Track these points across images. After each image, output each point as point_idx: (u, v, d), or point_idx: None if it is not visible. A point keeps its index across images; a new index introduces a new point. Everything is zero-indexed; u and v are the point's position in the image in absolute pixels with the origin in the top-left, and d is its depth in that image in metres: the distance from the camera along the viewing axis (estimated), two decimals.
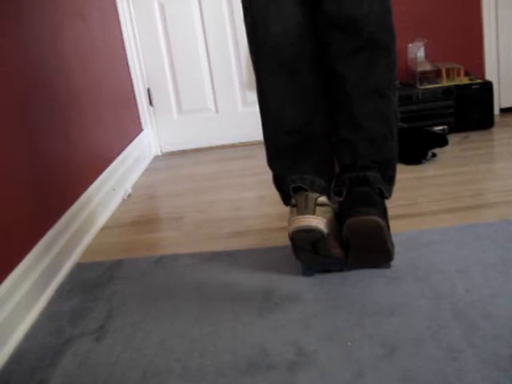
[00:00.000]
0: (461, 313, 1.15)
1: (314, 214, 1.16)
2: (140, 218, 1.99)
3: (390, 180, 1.29)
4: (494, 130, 2.46)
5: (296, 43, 1.26)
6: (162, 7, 2.66)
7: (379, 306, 1.22)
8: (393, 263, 1.37)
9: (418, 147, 2.18)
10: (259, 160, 2.52)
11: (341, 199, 1.24)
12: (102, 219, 1.96)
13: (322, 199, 1.22)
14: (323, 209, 1.19)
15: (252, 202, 1.98)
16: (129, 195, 2.23)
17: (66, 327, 1.31)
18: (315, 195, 1.21)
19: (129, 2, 2.64)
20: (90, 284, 1.50)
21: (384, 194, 1.25)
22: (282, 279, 1.39)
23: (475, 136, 2.41)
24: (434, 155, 2.17)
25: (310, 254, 1.24)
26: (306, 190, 1.24)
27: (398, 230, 1.55)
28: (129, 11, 2.65)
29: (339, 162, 1.29)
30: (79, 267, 1.63)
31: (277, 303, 1.29)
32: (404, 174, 2.04)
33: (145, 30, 2.68)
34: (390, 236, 1.22)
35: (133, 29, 2.66)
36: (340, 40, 1.23)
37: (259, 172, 2.31)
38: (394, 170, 1.30)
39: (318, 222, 1.16)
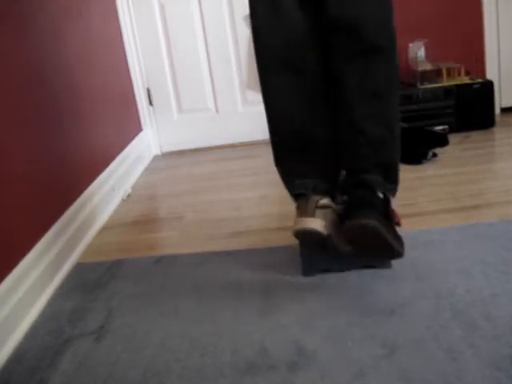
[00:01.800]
0: (461, 313, 1.15)
1: (313, 216, 1.21)
2: (140, 217, 1.99)
3: (393, 180, 1.30)
4: (495, 129, 2.45)
5: (299, 48, 1.28)
6: (162, 7, 2.66)
7: (379, 306, 1.22)
8: (393, 263, 1.37)
9: (419, 147, 2.18)
10: (259, 160, 2.53)
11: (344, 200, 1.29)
12: (102, 219, 1.96)
13: (324, 201, 1.25)
14: (324, 211, 1.23)
15: (252, 202, 1.98)
16: (128, 195, 2.23)
17: (65, 327, 1.30)
18: (316, 198, 1.25)
19: (129, 2, 2.64)
20: (90, 284, 1.50)
21: (386, 195, 1.26)
22: (282, 279, 1.39)
23: (476, 136, 2.41)
24: (434, 155, 2.17)
25: (315, 250, 1.29)
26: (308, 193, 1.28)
27: (398, 229, 1.55)
28: (129, 11, 2.64)
29: (342, 164, 1.31)
30: (79, 267, 1.62)
31: (277, 303, 1.29)
32: (404, 173, 2.02)
33: (145, 30, 2.68)
34: (392, 233, 1.22)
35: (133, 29, 2.66)
36: (340, 43, 1.25)
37: (259, 172, 2.31)
38: (396, 171, 1.31)
39: (316, 224, 1.20)
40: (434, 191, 1.85)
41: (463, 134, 2.43)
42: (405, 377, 0.99)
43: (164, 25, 2.68)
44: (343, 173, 1.33)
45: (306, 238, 1.24)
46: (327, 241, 1.24)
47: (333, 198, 1.29)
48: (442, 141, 2.22)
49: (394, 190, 1.29)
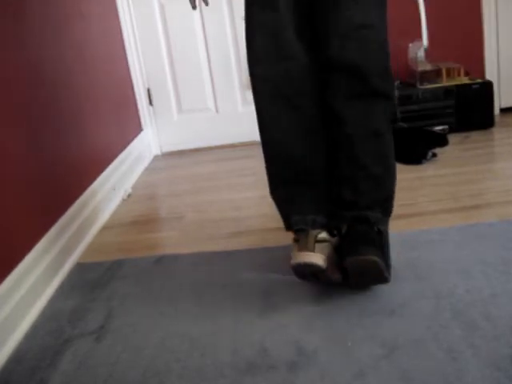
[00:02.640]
0: (461, 313, 1.15)
1: (313, 251, 1.25)
2: (140, 217, 1.99)
3: (389, 212, 1.33)
4: (495, 129, 2.46)
5: (299, 81, 1.28)
6: (162, 7, 2.66)
7: (379, 306, 1.22)
8: (393, 263, 1.37)
9: (419, 147, 2.18)
10: (259, 160, 2.52)
11: (341, 233, 1.30)
12: (102, 219, 1.96)
13: (322, 236, 1.28)
14: (322, 245, 1.27)
15: (252, 202, 1.98)
16: (129, 195, 2.23)
17: (65, 327, 1.31)
18: (315, 232, 1.28)
19: (129, 1, 2.64)
20: (90, 284, 1.50)
21: (381, 230, 1.29)
22: (282, 279, 1.39)
23: (475, 136, 2.41)
24: (434, 155, 2.17)
25: (311, 278, 1.32)
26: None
27: (398, 230, 1.55)
28: (129, 11, 2.64)
29: (339, 197, 1.31)
30: (79, 267, 1.62)
31: (277, 303, 1.29)
32: (404, 174, 2.04)
33: (145, 30, 2.68)
34: (385, 264, 1.24)
35: (133, 29, 2.66)
36: (340, 84, 1.26)
37: (259, 172, 2.30)
38: (392, 204, 1.35)
39: (317, 258, 1.24)
40: (434, 191, 1.85)
41: (463, 134, 2.43)
42: (405, 377, 0.99)
43: (164, 25, 2.68)
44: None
45: (305, 270, 1.27)
46: (321, 273, 1.27)
47: (329, 231, 1.31)
48: (442, 141, 2.22)
49: (387, 224, 1.33)
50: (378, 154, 1.28)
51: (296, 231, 1.32)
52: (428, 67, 2.50)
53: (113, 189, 2.11)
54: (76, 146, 1.87)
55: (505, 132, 2.41)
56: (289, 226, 1.35)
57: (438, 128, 2.45)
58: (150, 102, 2.78)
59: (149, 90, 2.76)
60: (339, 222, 1.30)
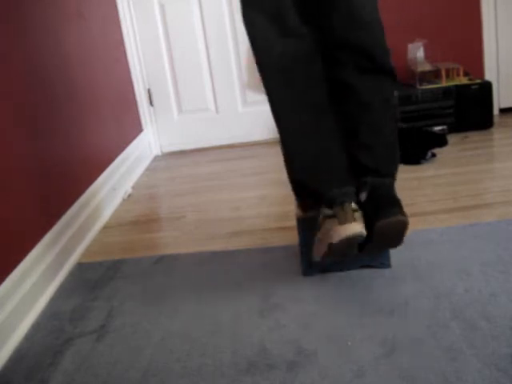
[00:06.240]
0: (460, 312, 1.15)
1: (354, 221, 1.26)
2: (140, 217, 1.99)
3: (395, 177, 1.38)
4: (494, 130, 2.46)
5: (308, 63, 1.30)
6: (162, 7, 2.67)
7: (379, 306, 1.22)
8: (393, 263, 1.38)
9: (418, 147, 2.18)
10: (259, 160, 2.53)
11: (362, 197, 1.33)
12: (103, 219, 1.96)
13: (354, 205, 1.29)
14: (357, 214, 1.28)
15: (252, 202, 1.98)
16: (129, 195, 2.23)
17: (66, 327, 1.31)
18: (348, 202, 1.28)
19: (129, 1, 2.64)
20: (91, 284, 1.50)
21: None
22: (282, 279, 1.39)
23: (475, 136, 2.41)
24: (433, 155, 2.18)
25: (343, 254, 1.31)
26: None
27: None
28: (129, 11, 2.65)
29: (359, 165, 1.33)
30: (80, 267, 1.63)
31: (277, 303, 1.29)
32: (404, 173, 2.04)
33: (145, 30, 2.68)
34: None
35: (133, 29, 2.67)
36: (350, 61, 1.30)
37: (259, 172, 2.32)
38: (397, 169, 1.39)
39: (361, 227, 1.24)
40: (434, 191, 1.85)
41: (462, 135, 2.44)
42: (404, 376, 1.00)
43: (164, 25, 2.68)
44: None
45: (345, 244, 1.25)
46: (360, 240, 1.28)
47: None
48: (441, 141, 2.22)
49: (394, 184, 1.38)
50: (391, 121, 1.35)
51: (331, 206, 1.31)
52: (427, 67, 2.51)
53: (113, 189, 2.12)
54: (76, 146, 1.88)
55: (504, 132, 2.42)
56: (329, 202, 1.32)
57: (438, 128, 2.45)
58: (151, 103, 2.78)
59: (149, 91, 2.76)
60: (360, 187, 1.32)
